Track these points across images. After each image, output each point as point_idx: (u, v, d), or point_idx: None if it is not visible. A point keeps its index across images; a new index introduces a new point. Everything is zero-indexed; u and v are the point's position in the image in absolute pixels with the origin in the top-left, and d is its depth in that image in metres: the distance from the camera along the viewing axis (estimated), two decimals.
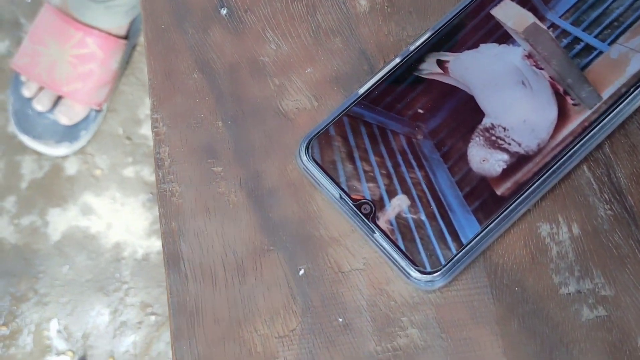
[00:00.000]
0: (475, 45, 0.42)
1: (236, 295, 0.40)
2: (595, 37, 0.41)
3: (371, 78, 0.41)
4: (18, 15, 1.22)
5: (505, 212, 0.38)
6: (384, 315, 0.39)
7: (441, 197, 0.39)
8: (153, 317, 1.10)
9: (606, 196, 0.40)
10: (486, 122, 0.40)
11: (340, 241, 0.40)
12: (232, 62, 0.44)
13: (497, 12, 0.42)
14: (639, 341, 0.38)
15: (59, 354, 1.09)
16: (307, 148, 0.40)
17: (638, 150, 0.41)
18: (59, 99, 1.12)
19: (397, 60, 0.42)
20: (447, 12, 0.44)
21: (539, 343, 0.38)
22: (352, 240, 0.40)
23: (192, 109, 0.43)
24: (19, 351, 1.09)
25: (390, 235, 0.38)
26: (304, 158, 0.40)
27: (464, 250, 0.38)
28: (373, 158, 0.40)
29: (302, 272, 0.40)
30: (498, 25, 0.42)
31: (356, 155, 0.40)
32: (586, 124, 0.40)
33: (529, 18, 0.42)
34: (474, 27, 0.42)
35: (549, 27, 0.41)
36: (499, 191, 0.39)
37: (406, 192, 0.39)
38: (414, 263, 0.38)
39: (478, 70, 0.41)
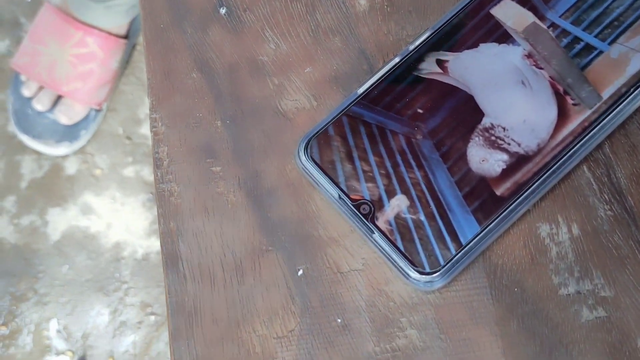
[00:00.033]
0: (474, 45, 0.41)
1: (235, 295, 0.40)
2: (596, 36, 0.41)
3: (370, 78, 0.41)
4: (18, 14, 1.22)
5: (504, 213, 0.38)
6: (383, 316, 0.39)
7: (440, 197, 0.39)
8: (153, 317, 1.10)
9: (606, 196, 0.40)
10: (486, 122, 0.40)
11: (339, 241, 0.40)
12: (231, 62, 0.44)
13: (497, 11, 0.42)
14: (639, 342, 0.37)
15: (58, 353, 1.09)
16: (306, 148, 0.40)
17: (638, 150, 0.41)
18: (58, 98, 1.11)
19: (397, 59, 0.41)
20: (446, 11, 0.43)
21: (539, 344, 0.38)
22: (351, 241, 0.40)
23: (191, 108, 0.43)
24: (18, 351, 1.09)
25: (389, 236, 0.38)
26: (303, 158, 0.40)
27: (463, 251, 0.38)
28: (372, 158, 0.40)
29: (300, 272, 0.40)
30: (498, 25, 0.42)
31: (355, 155, 0.40)
32: (586, 123, 0.39)
33: (528, 17, 0.41)
34: (473, 27, 0.42)
35: (549, 27, 0.41)
36: (499, 191, 0.39)
37: (405, 192, 0.39)
38: (413, 263, 0.38)
39: (478, 69, 0.41)
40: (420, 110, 0.41)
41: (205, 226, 0.41)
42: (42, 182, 1.16)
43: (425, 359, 0.38)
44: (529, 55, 0.41)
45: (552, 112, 0.40)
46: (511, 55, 0.41)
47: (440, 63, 0.41)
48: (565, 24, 0.41)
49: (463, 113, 0.40)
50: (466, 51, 0.41)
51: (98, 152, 1.16)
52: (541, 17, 0.41)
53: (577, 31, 0.41)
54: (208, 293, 0.40)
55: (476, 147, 0.39)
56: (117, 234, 1.13)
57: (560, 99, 0.40)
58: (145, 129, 1.17)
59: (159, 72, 0.44)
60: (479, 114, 0.40)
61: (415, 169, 0.39)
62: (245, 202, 0.41)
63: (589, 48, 0.41)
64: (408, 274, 0.38)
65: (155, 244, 1.12)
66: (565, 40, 0.41)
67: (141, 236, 1.13)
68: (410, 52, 0.42)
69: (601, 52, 0.41)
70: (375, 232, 0.38)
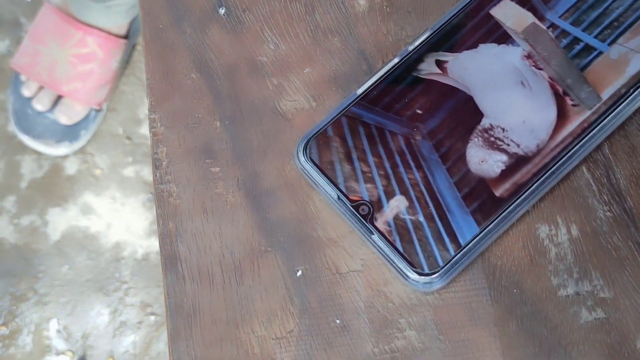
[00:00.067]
0: (474, 46, 0.41)
1: (233, 296, 0.39)
2: (595, 37, 0.41)
3: (370, 78, 0.41)
4: (18, 14, 1.22)
5: (503, 214, 0.38)
6: (382, 317, 0.39)
7: (439, 198, 0.39)
8: (153, 317, 1.10)
9: (605, 197, 0.40)
10: (485, 122, 0.40)
11: (338, 242, 0.40)
12: (230, 62, 0.44)
13: (497, 12, 0.42)
14: (638, 343, 0.37)
15: (58, 353, 1.09)
16: (305, 148, 0.40)
17: (638, 151, 0.41)
18: (59, 98, 1.11)
19: (396, 60, 0.41)
20: (446, 11, 0.43)
21: (538, 345, 0.38)
22: (350, 242, 0.40)
23: (190, 109, 0.43)
24: (18, 351, 1.09)
25: (388, 237, 0.38)
26: (302, 158, 0.40)
27: (462, 252, 0.38)
28: (371, 159, 0.40)
29: (299, 273, 0.40)
30: (497, 25, 0.42)
31: (354, 155, 0.40)
32: (585, 124, 0.39)
33: (528, 18, 0.41)
34: (473, 27, 0.42)
35: (548, 27, 0.41)
36: (498, 192, 0.39)
37: (404, 193, 0.39)
38: (411, 264, 0.38)
39: (477, 70, 0.41)
40: (419, 111, 0.41)
41: (204, 227, 0.41)
42: (42, 182, 1.16)
43: None
44: (529, 56, 0.41)
45: (552, 113, 0.40)
46: (511, 56, 0.41)
47: (439, 64, 0.41)
48: (565, 25, 0.41)
49: (462, 114, 0.40)
50: (465, 52, 0.41)
51: (98, 152, 1.16)
52: (541, 18, 0.41)
53: (576, 32, 0.41)
54: (207, 294, 0.40)
55: (475, 148, 0.39)
56: (117, 234, 1.13)
57: (559, 99, 0.40)
58: (145, 129, 1.17)
59: (158, 73, 0.44)
60: (478, 114, 0.40)
61: (415, 169, 0.39)
62: (244, 203, 0.41)
63: (588, 49, 0.41)
64: (407, 275, 0.38)
65: (155, 244, 1.12)
66: (564, 41, 0.41)
67: (141, 236, 1.13)
68: (410, 52, 0.41)
69: (601, 52, 0.41)
70: (374, 233, 0.38)
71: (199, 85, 0.43)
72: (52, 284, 1.11)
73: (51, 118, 1.12)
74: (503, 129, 0.39)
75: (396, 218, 0.38)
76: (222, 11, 0.45)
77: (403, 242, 0.38)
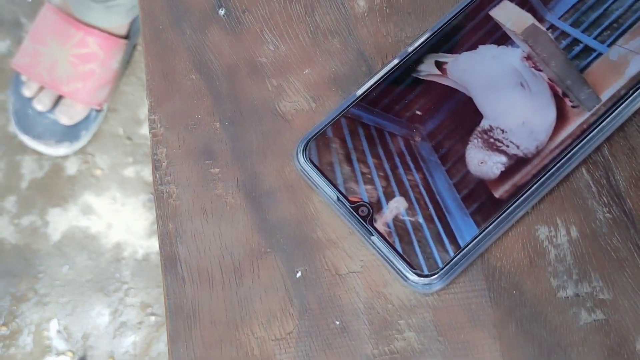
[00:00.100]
0: (473, 47, 0.41)
1: (233, 297, 0.39)
2: (595, 38, 0.41)
3: (369, 79, 0.41)
4: (19, 14, 1.22)
5: (503, 215, 0.38)
6: (381, 318, 0.39)
7: (439, 199, 0.39)
8: (153, 318, 1.10)
9: (605, 199, 0.40)
10: (484, 124, 0.40)
11: (337, 243, 0.40)
12: (230, 63, 0.44)
13: (496, 13, 0.42)
14: (637, 345, 0.37)
15: (58, 354, 1.09)
16: (304, 150, 0.40)
17: (637, 152, 0.41)
18: (59, 98, 1.11)
19: (396, 61, 0.41)
20: (445, 13, 0.43)
21: (537, 346, 0.38)
22: (350, 243, 0.40)
23: (189, 110, 0.43)
24: (18, 351, 1.09)
25: (387, 238, 0.38)
26: (302, 160, 0.40)
27: (461, 253, 0.38)
28: (371, 160, 0.40)
29: (299, 274, 0.40)
30: (497, 27, 0.42)
31: (354, 157, 0.40)
32: (585, 126, 0.39)
33: (528, 19, 0.41)
34: (472, 28, 0.42)
35: (548, 29, 0.41)
36: (497, 194, 0.39)
37: (404, 194, 0.39)
38: (411, 266, 0.38)
39: (476, 71, 0.41)
40: (418, 112, 0.41)
41: (204, 228, 0.41)
42: (42, 183, 1.16)
43: None
44: (528, 57, 0.41)
45: (551, 114, 0.40)
46: (510, 57, 0.41)
47: (439, 65, 0.41)
48: (565, 26, 0.41)
49: (462, 115, 0.40)
50: (465, 53, 0.41)
51: (98, 152, 1.16)
52: (540, 19, 0.41)
53: (576, 33, 0.41)
54: (206, 295, 0.40)
55: (475, 149, 0.39)
56: (117, 234, 1.13)
57: (559, 101, 0.40)
58: (146, 130, 1.17)
59: (157, 73, 0.44)
60: (477, 116, 0.40)
61: (414, 171, 0.39)
62: (244, 204, 0.41)
63: (588, 50, 0.41)
64: (406, 277, 0.38)
65: (155, 244, 1.12)
66: (564, 42, 0.41)
67: (141, 236, 1.13)
68: (409, 53, 0.41)
69: (600, 54, 0.41)
70: (373, 234, 0.38)
71: (199, 86, 0.43)
72: (52, 284, 1.11)
73: (52, 118, 1.12)
74: (502, 130, 0.39)
75: (396, 219, 0.38)
76: (221, 12, 0.45)
77: (402, 243, 0.38)
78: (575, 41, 0.41)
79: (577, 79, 0.40)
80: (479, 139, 0.39)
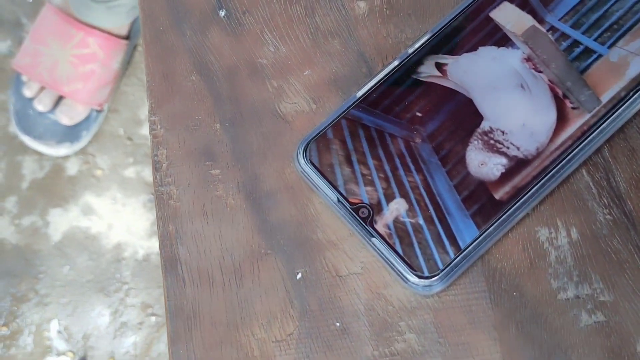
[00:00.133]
0: (474, 48, 0.41)
1: (233, 298, 0.39)
2: (595, 40, 0.41)
3: (369, 81, 0.41)
4: (19, 15, 1.22)
5: (503, 217, 0.38)
6: (382, 320, 0.39)
7: (439, 201, 0.39)
8: (153, 318, 1.10)
9: (605, 200, 0.40)
10: (485, 125, 0.40)
11: (337, 245, 0.40)
12: (230, 64, 0.44)
13: (496, 14, 0.42)
14: (638, 347, 0.37)
15: (59, 354, 1.09)
16: (304, 151, 0.40)
17: (637, 154, 0.41)
18: (60, 99, 1.12)
19: (396, 63, 0.41)
20: (446, 14, 0.43)
21: (537, 348, 0.38)
22: (350, 244, 0.40)
23: (190, 111, 0.43)
24: (19, 351, 1.09)
25: (387, 239, 0.38)
26: (302, 161, 0.40)
27: (462, 255, 0.38)
28: (371, 161, 0.40)
29: (299, 275, 0.40)
30: (497, 28, 0.42)
31: (354, 158, 0.40)
32: (585, 127, 0.39)
33: (528, 21, 0.41)
34: (472, 30, 0.42)
35: (548, 30, 0.41)
36: (498, 195, 0.39)
37: (404, 195, 0.39)
38: (411, 267, 0.38)
39: (477, 73, 0.41)
40: (419, 114, 0.41)
41: (204, 229, 0.41)
42: (43, 183, 1.16)
43: None
44: (528, 59, 0.41)
45: (551, 116, 0.40)
46: (510, 59, 0.41)
47: (439, 66, 0.41)
48: (565, 27, 0.41)
49: (462, 116, 0.40)
50: (465, 54, 0.41)
51: (99, 152, 1.16)
52: (540, 21, 0.41)
53: (576, 34, 0.41)
54: (207, 296, 0.40)
55: (475, 151, 0.39)
56: (118, 234, 1.13)
57: (559, 102, 0.40)
58: (146, 130, 1.17)
59: (158, 75, 0.44)
60: (478, 117, 0.40)
61: (414, 172, 0.39)
62: (244, 205, 0.41)
63: (588, 51, 0.41)
64: (407, 278, 0.38)
65: (156, 244, 1.12)
66: (564, 44, 0.41)
67: (142, 237, 1.13)
68: (410, 55, 0.41)
69: (600, 55, 0.41)
70: (374, 235, 0.38)
71: (199, 87, 0.43)
72: (53, 284, 1.11)
73: (52, 119, 1.12)
74: (503, 132, 0.39)
75: (396, 221, 0.38)
76: (222, 13, 0.45)
77: (403, 245, 0.38)
78: (576, 43, 0.41)
79: (578, 80, 0.40)
80: (479, 141, 0.39)
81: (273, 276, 0.40)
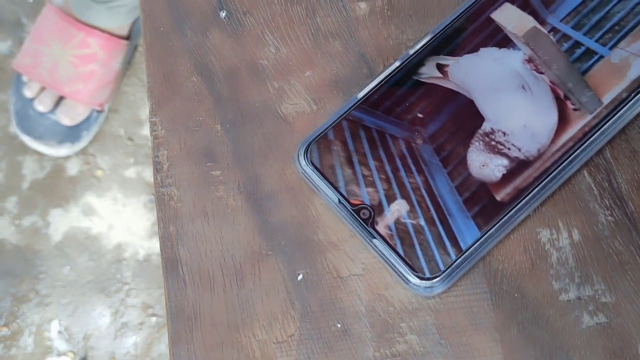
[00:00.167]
0: (475, 49, 0.41)
1: (234, 300, 0.39)
2: (596, 41, 0.41)
3: (370, 82, 0.41)
4: (20, 15, 1.22)
5: (505, 218, 0.38)
6: (383, 321, 0.39)
7: (440, 202, 0.39)
8: (154, 319, 1.10)
9: (607, 202, 0.40)
10: (486, 126, 0.40)
11: (339, 246, 0.40)
12: (231, 65, 0.44)
13: (498, 15, 0.42)
14: (639, 348, 0.37)
15: (59, 355, 1.09)
16: (305, 152, 0.40)
17: (639, 155, 0.41)
18: (60, 99, 1.12)
19: (397, 64, 0.41)
20: (447, 15, 0.43)
21: (539, 350, 0.37)
22: (351, 245, 0.40)
23: (190, 112, 0.43)
24: (19, 352, 1.09)
25: (389, 241, 0.38)
26: (303, 162, 0.40)
27: (463, 256, 0.38)
28: (372, 162, 0.40)
29: (300, 277, 0.40)
30: (498, 29, 0.42)
31: (355, 159, 0.40)
32: (587, 129, 0.39)
33: (529, 22, 0.41)
34: (474, 31, 0.42)
35: (549, 31, 0.41)
36: (499, 196, 0.39)
37: (405, 197, 0.39)
38: (413, 269, 0.38)
39: (478, 74, 0.41)
40: (420, 115, 0.41)
41: (205, 230, 0.41)
42: (43, 183, 1.16)
43: None
44: (530, 60, 0.41)
45: (553, 117, 0.40)
46: (512, 60, 0.41)
47: (440, 67, 0.41)
48: (566, 29, 0.41)
49: (463, 118, 0.40)
50: (466, 55, 0.41)
51: (100, 153, 1.16)
52: (542, 22, 0.41)
53: (577, 36, 0.41)
54: (208, 297, 0.40)
55: (476, 152, 0.39)
56: (118, 235, 1.13)
57: (560, 103, 0.40)
58: (147, 130, 1.17)
59: (158, 76, 0.44)
60: (479, 118, 0.40)
61: (415, 173, 0.39)
62: (245, 206, 0.41)
63: (589, 53, 0.41)
64: (408, 279, 0.38)
65: (156, 245, 1.12)
66: (565, 45, 0.41)
67: (142, 237, 1.13)
68: (411, 56, 0.41)
69: (602, 56, 0.41)
70: (375, 237, 0.38)
71: (200, 88, 0.43)
72: (53, 285, 1.11)
73: (53, 119, 1.12)
74: (504, 133, 0.39)
75: (397, 222, 0.38)
76: (222, 14, 0.45)
77: (404, 246, 0.38)
78: (577, 44, 0.41)
79: (579, 81, 0.40)
80: (481, 142, 0.39)
81: (274, 277, 0.40)
